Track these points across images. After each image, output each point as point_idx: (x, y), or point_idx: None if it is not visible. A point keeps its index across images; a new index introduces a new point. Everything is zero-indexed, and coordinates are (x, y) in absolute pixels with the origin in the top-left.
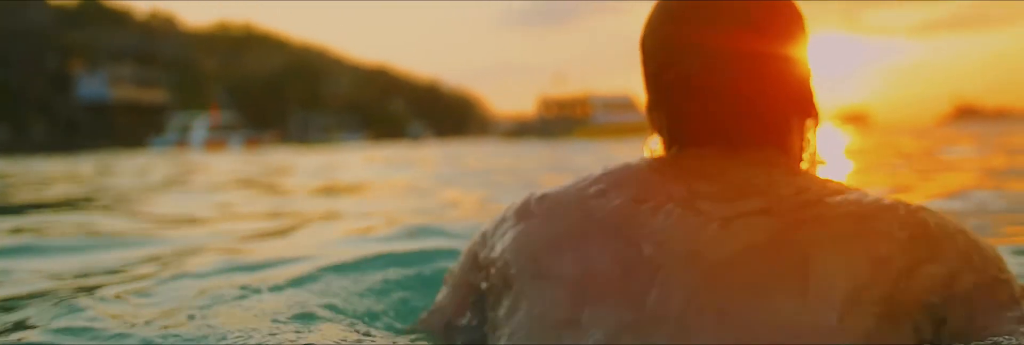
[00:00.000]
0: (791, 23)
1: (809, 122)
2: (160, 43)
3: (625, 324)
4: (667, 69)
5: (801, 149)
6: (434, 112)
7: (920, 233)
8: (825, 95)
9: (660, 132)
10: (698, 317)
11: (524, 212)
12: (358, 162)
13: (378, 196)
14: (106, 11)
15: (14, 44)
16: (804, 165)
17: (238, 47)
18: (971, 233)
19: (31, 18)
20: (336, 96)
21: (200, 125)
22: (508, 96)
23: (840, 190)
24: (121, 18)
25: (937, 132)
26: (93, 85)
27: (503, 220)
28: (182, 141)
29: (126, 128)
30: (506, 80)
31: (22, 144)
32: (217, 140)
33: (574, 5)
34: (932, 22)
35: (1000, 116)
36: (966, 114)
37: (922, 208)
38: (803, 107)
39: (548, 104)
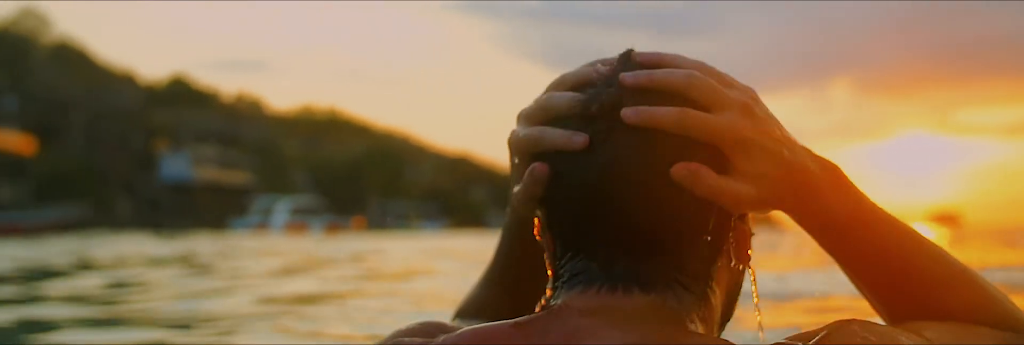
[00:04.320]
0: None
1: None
2: (245, 126)
3: None
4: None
5: (711, 289)
6: None
7: None
8: (912, 193)
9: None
10: None
11: None
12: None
13: None
14: (194, 93)
15: (103, 123)
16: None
17: (321, 131)
18: None
19: (122, 98)
20: (417, 183)
21: (282, 208)
22: None
23: None
24: (208, 100)
25: None
26: (177, 165)
27: None
28: (263, 223)
29: (208, 208)
30: None
31: (105, 221)
32: (298, 224)
33: None
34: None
35: None
36: None
37: None
38: (706, 230)
39: None
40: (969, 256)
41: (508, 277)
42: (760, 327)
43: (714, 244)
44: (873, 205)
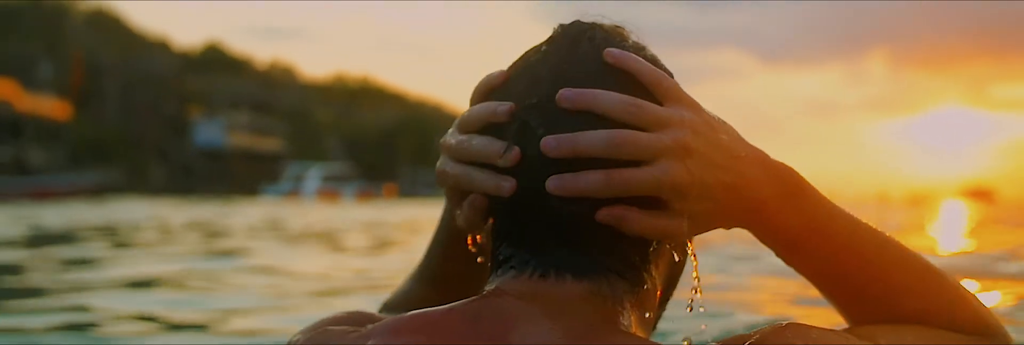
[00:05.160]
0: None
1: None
2: (278, 93)
3: None
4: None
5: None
6: None
7: None
8: (946, 168)
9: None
10: None
11: None
12: None
13: None
14: (228, 60)
15: (137, 89)
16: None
17: (355, 99)
18: None
19: (156, 65)
20: None
21: (313, 175)
22: None
23: None
24: (242, 67)
25: None
26: (210, 131)
27: None
28: (295, 190)
29: (241, 175)
30: None
31: (138, 187)
32: (329, 191)
33: (689, 70)
34: None
35: None
36: None
37: None
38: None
39: None
40: (1004, 236)
41: (439, 275)
42: (691, 303)
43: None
44: (830, 212)
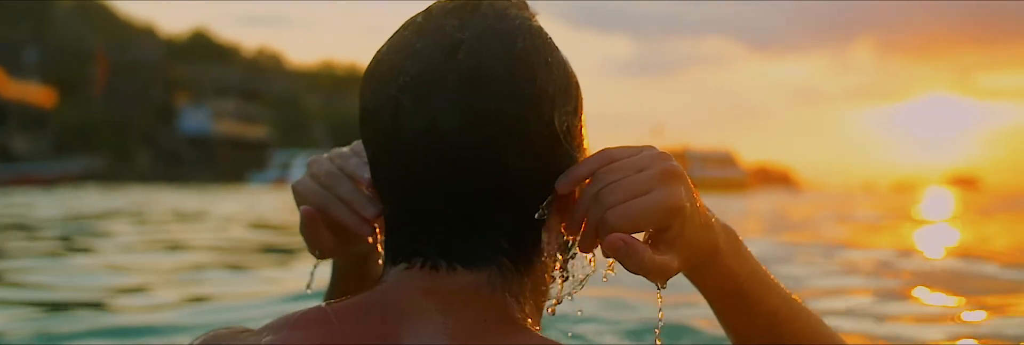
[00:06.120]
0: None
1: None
2: (265, 80)
3: None
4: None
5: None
6: None
7: None
8: (932, 156)
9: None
10: None
11: None
12: None
13: None
14: (215, 47)
15: (123, 76)
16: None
17: (342, 87)
18: None
19: (142, 51)
20: None
21: (300, 163)
22: (606, 145)
23: None
24: (229, 54)
25: None
26: (196, 118)
27: None
28: (282, 178)
29: (227, 162)
30: (605, 129)
31: (125, 173)
32: None
33: (677, 57)
34: None
35: None
36: None
37: None
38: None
39: None
40: (992, 227)
41: None
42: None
43: (536, 218)
44: (766, 272)
